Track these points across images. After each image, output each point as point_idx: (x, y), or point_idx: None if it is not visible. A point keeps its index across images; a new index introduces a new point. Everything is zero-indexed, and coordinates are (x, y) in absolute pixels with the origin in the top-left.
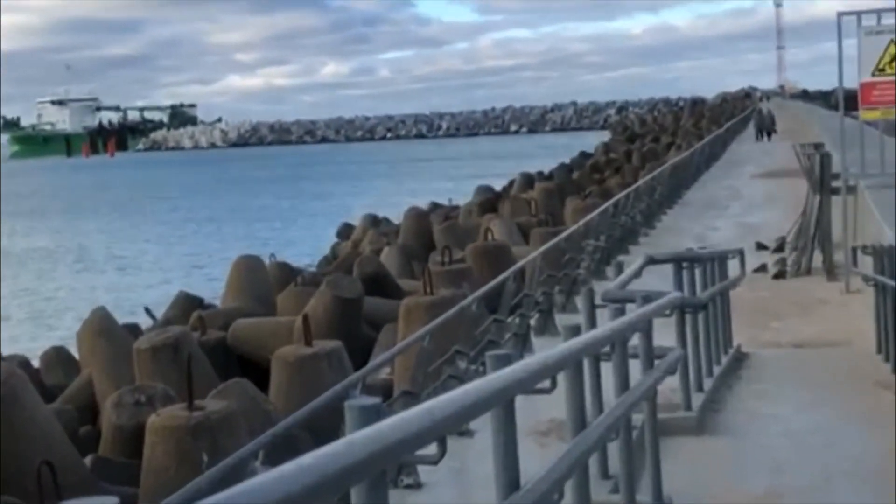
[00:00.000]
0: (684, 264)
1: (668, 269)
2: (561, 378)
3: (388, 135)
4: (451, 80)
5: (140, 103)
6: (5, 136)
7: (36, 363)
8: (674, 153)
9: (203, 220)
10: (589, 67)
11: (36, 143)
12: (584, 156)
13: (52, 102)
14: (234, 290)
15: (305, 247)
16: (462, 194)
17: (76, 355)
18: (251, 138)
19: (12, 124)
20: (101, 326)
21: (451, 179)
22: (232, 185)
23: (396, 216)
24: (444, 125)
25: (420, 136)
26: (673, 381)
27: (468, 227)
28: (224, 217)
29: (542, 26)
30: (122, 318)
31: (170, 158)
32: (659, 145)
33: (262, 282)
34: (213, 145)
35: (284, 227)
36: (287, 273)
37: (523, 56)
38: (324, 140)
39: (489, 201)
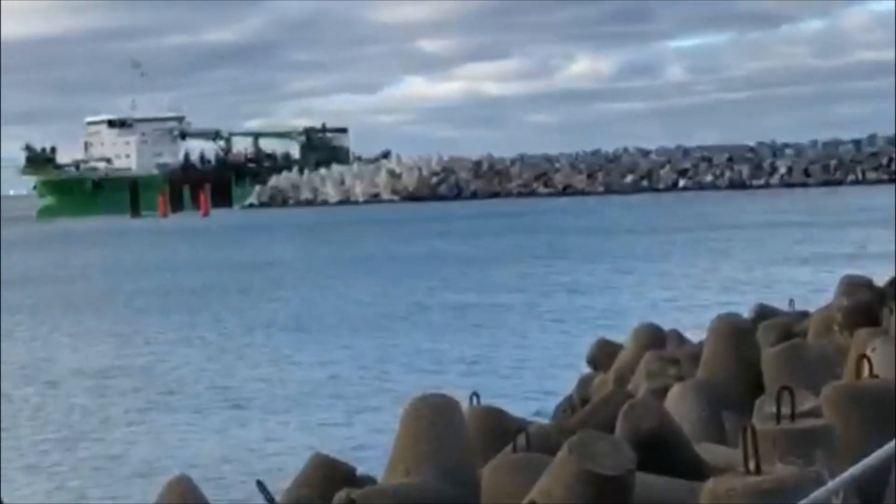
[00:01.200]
0: None
1: None
2: None
3: (682, 181)
4: (795, 84)
5: (253, 125)
6: (27, 179)
7: None
8: None
9: (353, 331)
10: None
11: (80, 192)
12: None
13: (110, 124)
14: (406, 455)
15: (531, 380)
16: (814, 290)
17: None
18: (441, 186)
19: (43, 160)
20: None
21: (793, 262)
22: (410, 275)
23: (694, 329)
24: (783, 165)
25: (737, 184)
26: None
27: (825, 352)
28: (396, 326)
29: None
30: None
31: (303, 220)
32: None
33: (455, 440)
34: (375, 198)
35: (497, 345)
36: (499, 426)
37: None
38: (566, 190)
39: (865, 306)
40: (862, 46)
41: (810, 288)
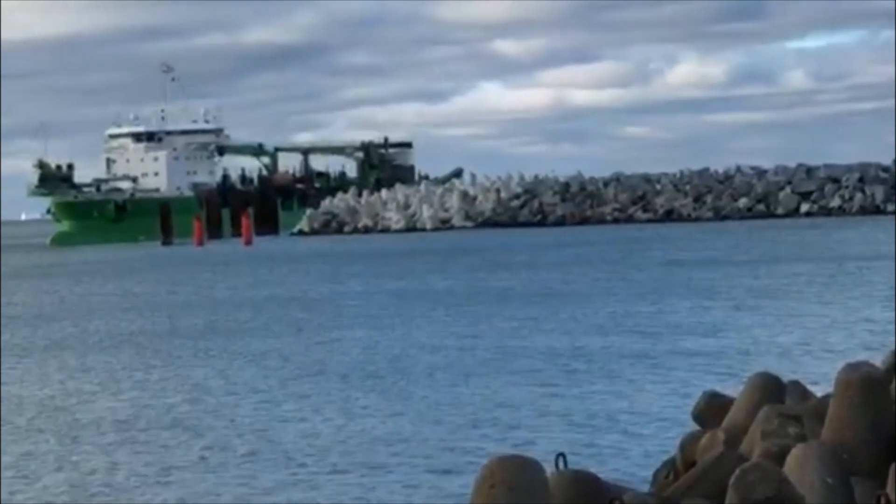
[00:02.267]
0: None
1: None
2: None
3: (805, 205)
4: None
5: (303, 139)
6: (39, 201)
7: None
8: None
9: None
10: None
11: (101, 216)
12: None
13: (136, 137)
14: None
15: (628, 438)
16: None
17: None
18: (522, 211)
19: (58, 178)
20: None
21: None
22: (487, 314)
23: (819, 380)
24: None
25: (869, 209)
26: None
27: None
28: (470, 374)
29: None
30: None
31: (362, 250)
32: None
33: None
34: (445, 224)
35: (589, 397)
36: (590, 492)
37: None
38: (669, 215)
39: None
40: None
41: None
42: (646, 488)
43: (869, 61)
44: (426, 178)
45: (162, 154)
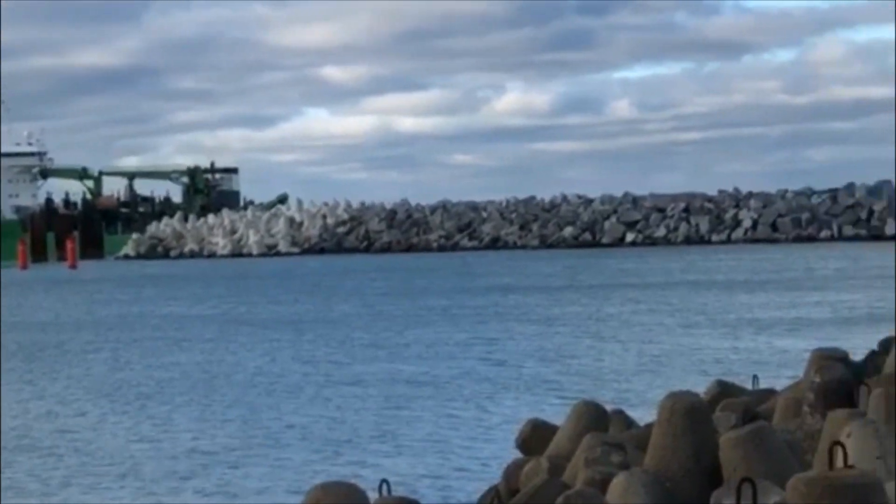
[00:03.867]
0: None
1: None
2: None
3: (630, 235)
4: (762, 125)
5: (128, 163)
6: None
7: None
8: None
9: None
10: None
11: None
12: None
13: None
14: None
15: (452, 465)
16: (781, 365)
17: None
18: (349, 237)
19: None
20: None
21: (757, 331)
22: (307, 339)
23: (642, 409)
24: (747, 218)
25: (694, 239)
26: None
27: (793, 437)
28: (291, 399)
29: None
30: None
31: (188, 272)
32: None
33: None
34: (272, 249)
35: (413, 424)
36: None
37: None
38: (495, 243)
39: (839, 384)
40: (838, 82)
41: (777, 362)
42: None
43: (693, 92)
44: (251, 203)
45: None
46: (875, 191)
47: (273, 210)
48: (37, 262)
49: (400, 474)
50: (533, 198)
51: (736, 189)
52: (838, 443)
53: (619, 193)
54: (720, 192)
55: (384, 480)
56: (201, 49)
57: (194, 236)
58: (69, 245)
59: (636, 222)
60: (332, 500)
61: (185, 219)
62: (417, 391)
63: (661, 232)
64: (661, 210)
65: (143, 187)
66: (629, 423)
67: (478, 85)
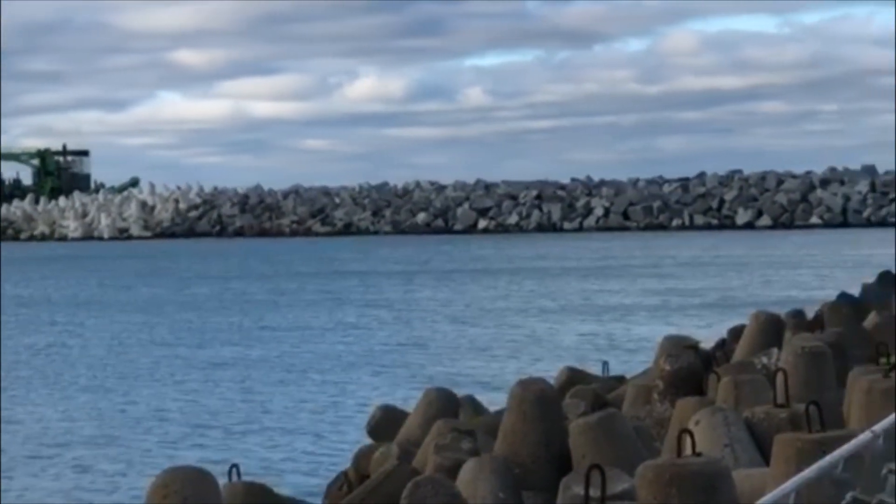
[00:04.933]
0: None
1: None
2: None
3: (483, 221)
4: (614, 113)
5: None
6: None
7: None
8: None
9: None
10: None
11: None
12: (888, 282)
13: None
14: None
15: (302, 450)
16: (631, 351)
17: None
18: (201, 222)
19: None
20: None
21: (608, 318)
22: (153, 323)
23: (492, 395)
24: (599, 206)
25: (546, 226)
26: None
27: (642, 424)
28: (137, 383)
29: (800, 11)
30: None
31: (38, 255)
32: None
33: None
34: (123, 233)
35: (264, 409)
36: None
37: (761, 70)
38: (348, 229)
39: (688, 372)
40: (688, 72)
41: (627, 349)
42: (318, 501)
43: (545, 80)
44: (102, 186)
45: None
46: (726, 180)
47: (125, 193)
48: None
49: (251, 459)
50: (386, 184)
51: (588, 177)
52: (686, 430)
53: (471, 180)
54: (572, 180)
55: (234, 465)
56: (54, 31)
57: (45, 219)
58: None
59: (488, 209)
60: (179, 485)
61: (36, 201)
62: (270, 376)
63: (513, 219)
64: (514, 197)
65: None
66: (480, 409)
67: (331, 70)
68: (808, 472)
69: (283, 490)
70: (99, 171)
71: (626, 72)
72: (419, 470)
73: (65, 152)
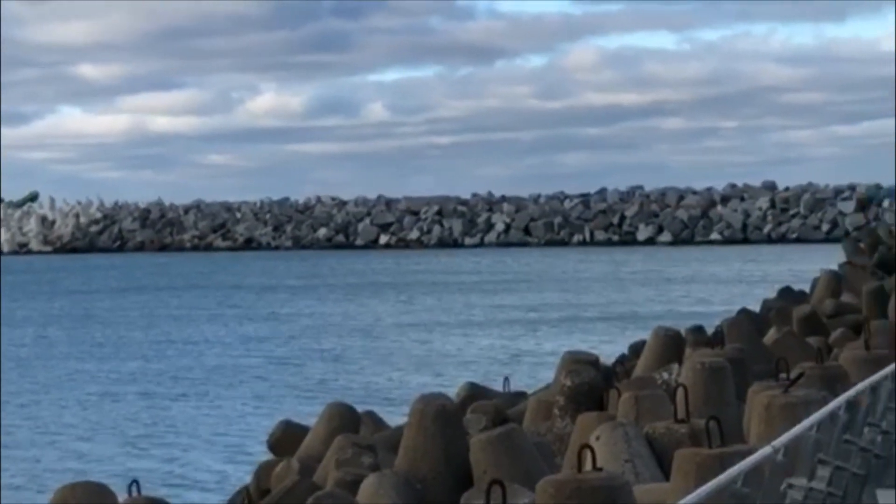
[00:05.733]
0: None
1: None
2: None
3: (384, 237)
4: (515, 129)
5: None
6: None
7: None
8: None
9: None
10: (798, 114)
11: None
12: (787, 297)
13: None
14: None
15: (204, 465)
16: (532, 366)
17: None
18: (102, 236)
19: None
20: None
21: (509, 334)
22: (53, 338)
23: (393, 410)
24: (500, 222)
25: (447, 242)
26: None
27: (543, 439)
28: (35, 399)
29: (700, 29)
30: None
31: None
32: None
33: None
34: (23, 248)
35: (164, 423)
36: None
37: (661, 86)
38: (249, 244)
39: (589, 387)
40: (589, 87)
41: (528, 364)
42: None
43: (447, 96)
44: (1, 200)
45: None
46: (627, 196)
47: (25, 208)
48: None
49: (151, 473)
50: (287, 199)
51: (489, 193)
52: (587, 446)
53: (373, 196)
54: (474, 195)
55: (134, 480)
56: None
57: None
58: None
59: (390, 224)
60: (79, 500)
61: None
62: (171, 390)
63: (414, 234)
64: (415, 213)
65: None
66: (381, 424)
67: (232, 85)
68: (708, 486)
69: None
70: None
71: (528, 87)
72: (320, 485)
73: None
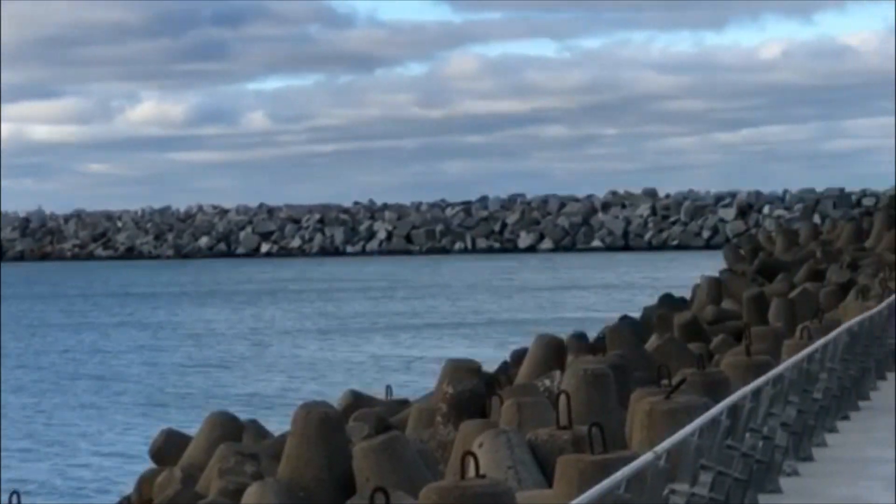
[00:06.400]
0: None
1: None
2: None
3: (265, 245)
4: (396, 137)
5: None
6: None
7: None
8: (856, 305)
9: None
10: (679, 121)
11: None
12: (668, 304)
13: None
14: None
15: (83, 475)
16: (415, 374)
17: None
18: None
19: None
20: None
21: (390, 341)
22: None
23: (276, 419)
24: (381, 229)
25: (329, 250)
26: None
27: (426, 446)
28: None
29: (580, 37)
30: None
31: None
32: (825, 287)
33: None
34: None
35: (46, 433)
36: None
37: (543, 94)
38: (130, 252)
39: (471, 395)
40: (470, 95)
41: (411, 372)
42: None
43: (327, 104)
44: None
45: None
46: (508, 204)
47: None
48: None
49: (32, 484)
50: (168, 207)
51: (371, 201)
52: (470, 452)
53: (254, 204)
54: (355, 203)
55: (15, 491)
56: None
57: None
58: None
59: (271, 233)
60: None
61: None
62: (52, 399)
63: (296, 242)
64: (297, 221)
65: None
66: (263, 432)
67: (112, 94)
68: (591, 493)
69: None
70: None
71: (408, 96)
72: (203, 494)
73: None
